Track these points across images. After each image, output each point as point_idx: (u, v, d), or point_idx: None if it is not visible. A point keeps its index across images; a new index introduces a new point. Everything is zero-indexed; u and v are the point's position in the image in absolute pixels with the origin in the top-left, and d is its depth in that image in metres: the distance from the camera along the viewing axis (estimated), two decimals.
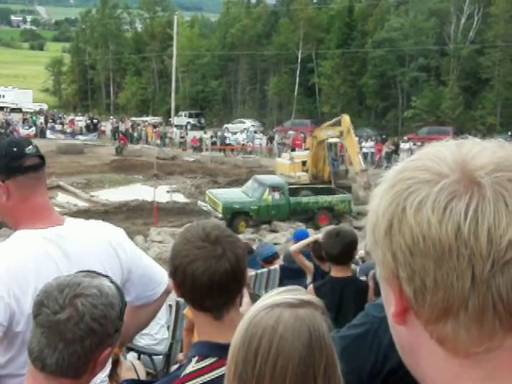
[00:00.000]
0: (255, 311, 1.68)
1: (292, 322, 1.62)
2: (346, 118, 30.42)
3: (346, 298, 5.57)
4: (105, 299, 2.11)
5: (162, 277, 3.35)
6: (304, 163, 32.91)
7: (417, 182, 1.00)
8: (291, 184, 30.35)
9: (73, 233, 2.99)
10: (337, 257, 5.60)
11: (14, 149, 2.90)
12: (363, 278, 6.33)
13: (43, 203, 2.97)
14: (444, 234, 0.95)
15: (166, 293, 3.39)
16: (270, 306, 1.65)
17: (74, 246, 2.94)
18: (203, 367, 2.24)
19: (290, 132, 56.64)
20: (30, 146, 2.91)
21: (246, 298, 2.50)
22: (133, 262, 3.16)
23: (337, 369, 1.66)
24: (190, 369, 2.25)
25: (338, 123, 30.77)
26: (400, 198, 1.01)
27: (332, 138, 31.40)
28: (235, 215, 28.14)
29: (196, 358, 2.27)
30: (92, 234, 3.10)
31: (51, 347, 2.03)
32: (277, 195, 28.87)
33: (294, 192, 29.69)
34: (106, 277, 2.28)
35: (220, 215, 27.79)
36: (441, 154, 1.02)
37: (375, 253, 1.08)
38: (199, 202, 32.07)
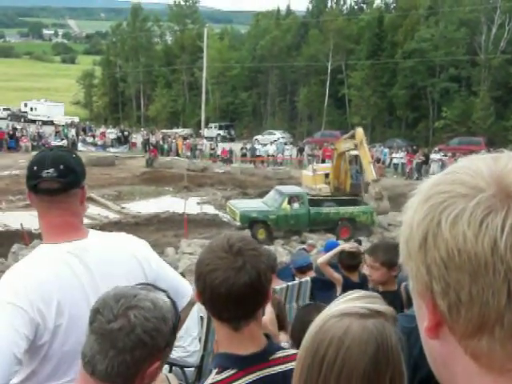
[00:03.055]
0: (325, 318, 1.68)
1: (360, 334, 1.62)
2: (359, 131, 30.30)
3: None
4: (158, 313, 2.14)
5: (187, 289, 3.36)
6: (327, 175, 32.84)
7: (452, 196, 0.99)
8: (313, 196, 30.34)
9: (95, 246, 3.01)
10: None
11: (34, 168, 2.91)
12: None
13: (59, 223, 2.96)
14: (480, 248, 0.93)
15: (191, 304, 3.38)
16: (340, 315, 1.66)
17: (96, 259, 2.96)
18: (222, 379, 2.25)
19: None
20: (51, 169, 2.88)
21: (268, 308, 2.50)
22: (157, 275, 3.15)
23: (403, 380, 1.67)
24: (209, 380, 2.27)
25: (354, 136, 30.71)
26: (435, 211, 1.00)
27: (350, 150, 31.32)
28: (253, 224, 28.22)
29: (216, 369, 2.28)
30: (115, 246, 3.12)
31: (102, 354, 2.08)
32: (296, 205, 28.90)
33: (317, 202, 29.71)
34: (164, 291, 2.30)
35: (238, 224, 27.95)
36: (476, 168, 1.01)
37: (408, 266, 1.07)
38: (220, 214, 32.29)
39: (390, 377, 1.62)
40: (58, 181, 2.90)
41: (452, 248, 0.97)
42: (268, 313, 2.51)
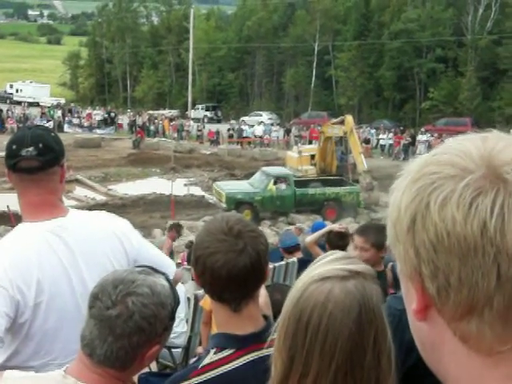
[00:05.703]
0: (306, 283, 1.69)
1: (342, 298, 1.63)
2: (348, 119, 30.40)
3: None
4: (156, 299, 2.17)
5: (169, 266, 3.41)
6: (313, 157, 32.89)
7: (441, 178, 0.97)
8: (299, 177, 30.36)
9: (75, 224, 3.04)
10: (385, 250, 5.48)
11: (13, 146, 2.94)
12: None
13: (39, 202, 2.99)
14: (469, 231, 0.92)
15: (174, 282, 3.40)
16: (321, 280, 1.67)
17: (76, 237, 3.00)
18: (220, 359, 2.27)
19: None
20: (31, 148, 2.91)
21: (262, 290, 2.50)
22: (138, 252, 3.21)
23: (386, 338, 1.69)
24: (207, 360, 2.28)
25: (343, 122, 30.71)
26: (424, 193, 0.98)
27: (337, 135, 31.42)
28: (239, 205, 28.09)
29: (214, 349, 2.30)
30: (95, 224, 3.15)
31: (101, 339, 2.12)
32: (282, 186, 28.89)
33: (303, 184, 29.71)
34: (162, 274, 2.32)
35: (224, 205, 27.93)
36: (465, 149, 0.99)
37: (396, 248, 1.06)
38: (207, 195, 32.34)
39: (373, 336, 1.65)
40: (37, 159, 2.93)
41: (441, 231, 0.95)
42: (262, 295, 2.52)
